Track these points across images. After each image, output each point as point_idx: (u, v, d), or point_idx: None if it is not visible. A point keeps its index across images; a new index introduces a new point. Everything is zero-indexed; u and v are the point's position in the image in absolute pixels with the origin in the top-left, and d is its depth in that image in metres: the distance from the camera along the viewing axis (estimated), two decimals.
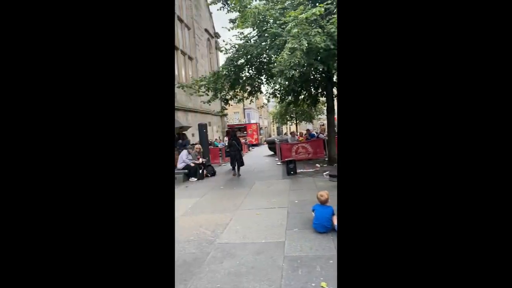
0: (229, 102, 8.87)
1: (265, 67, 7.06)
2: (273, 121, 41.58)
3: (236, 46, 6.83)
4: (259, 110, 37.15)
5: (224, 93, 8.08)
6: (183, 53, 12.85)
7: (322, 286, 1.97)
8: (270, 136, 35.53)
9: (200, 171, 7.28)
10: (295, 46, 4.66)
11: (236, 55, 6.80)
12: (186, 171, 7.17)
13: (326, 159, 8.12)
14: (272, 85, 8.05)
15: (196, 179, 7.11)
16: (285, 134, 20.04)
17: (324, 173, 6.19)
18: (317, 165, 7.57)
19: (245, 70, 7.31)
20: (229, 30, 7.05)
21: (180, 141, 8.87)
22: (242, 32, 7.04)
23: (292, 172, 6.58)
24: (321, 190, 3.40)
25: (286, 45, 4.82)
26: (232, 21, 7.19)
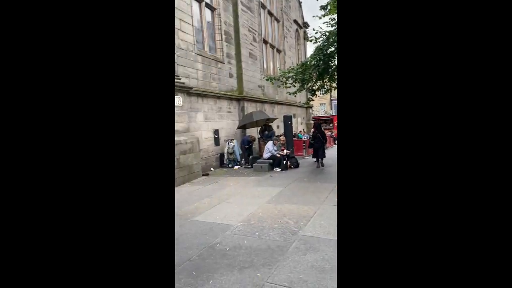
0: (316, 93, 8.61)
1: None
2: None
3: (327, 33, 6.50)
4: None
5: (311, 84, 7.89)
6: (272, 47, 13.17)
7: None
8: None
9: (284, 162, 7.42)
10: None
11: (326, 44, 6.49)
12: (271, 161, 7.43)
13: None
14: None
15: (280, 169, 7.28)
16: None
17: None
18: None
19: (335, 58, 6.91)
20: (320, 17, 6.78)
21: (266, 132, 9.22)
22: (333, 18, 6.65)
23: None
24: None
25: None
26: (323, 7, 6.87)
